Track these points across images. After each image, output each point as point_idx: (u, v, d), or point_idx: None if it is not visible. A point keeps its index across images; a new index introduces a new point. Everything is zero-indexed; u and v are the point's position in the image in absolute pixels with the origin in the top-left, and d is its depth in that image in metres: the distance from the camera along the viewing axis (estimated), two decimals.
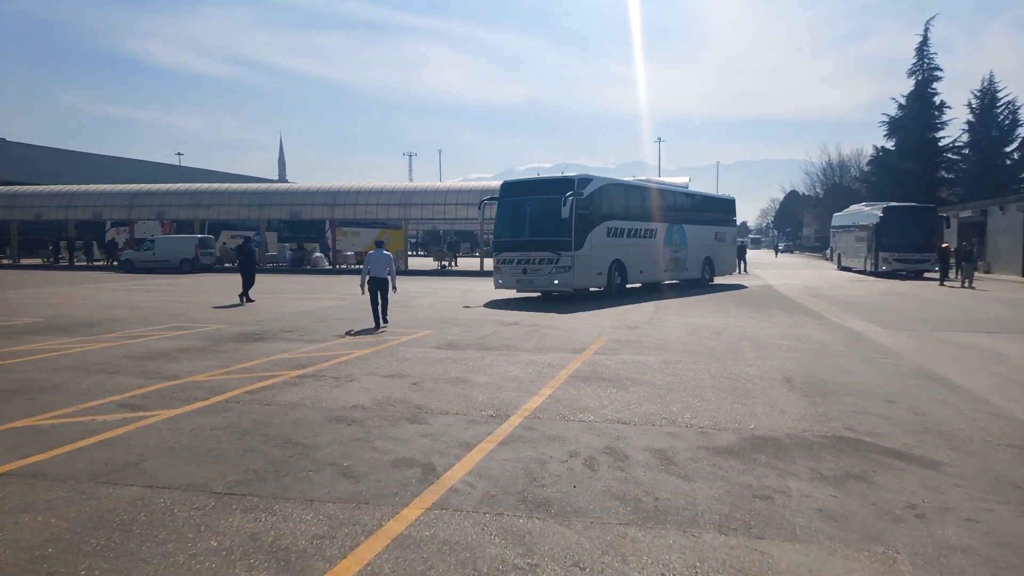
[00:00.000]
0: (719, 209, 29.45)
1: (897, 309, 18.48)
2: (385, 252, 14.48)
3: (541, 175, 21.99)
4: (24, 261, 46.12)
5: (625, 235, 21.61)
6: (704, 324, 14.81)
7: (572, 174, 20.01)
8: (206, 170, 74.09)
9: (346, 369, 9.61)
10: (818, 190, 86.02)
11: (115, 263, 39.70)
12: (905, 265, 33.41)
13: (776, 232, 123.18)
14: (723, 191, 38.11)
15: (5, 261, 46.06)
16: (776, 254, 78.03)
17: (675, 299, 21.35)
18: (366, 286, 14.09)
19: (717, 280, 28.73)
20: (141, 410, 7.35)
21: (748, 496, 4.96)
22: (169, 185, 45.86)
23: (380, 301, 14.07)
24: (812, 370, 9.58)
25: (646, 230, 22.86)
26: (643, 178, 24.56)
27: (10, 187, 46.56)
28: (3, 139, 55.12)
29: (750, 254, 50.83)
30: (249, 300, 19.52)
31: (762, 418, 7.05)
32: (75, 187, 45.63)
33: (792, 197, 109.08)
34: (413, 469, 5.51)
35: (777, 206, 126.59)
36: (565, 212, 18.68)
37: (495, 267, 20.44)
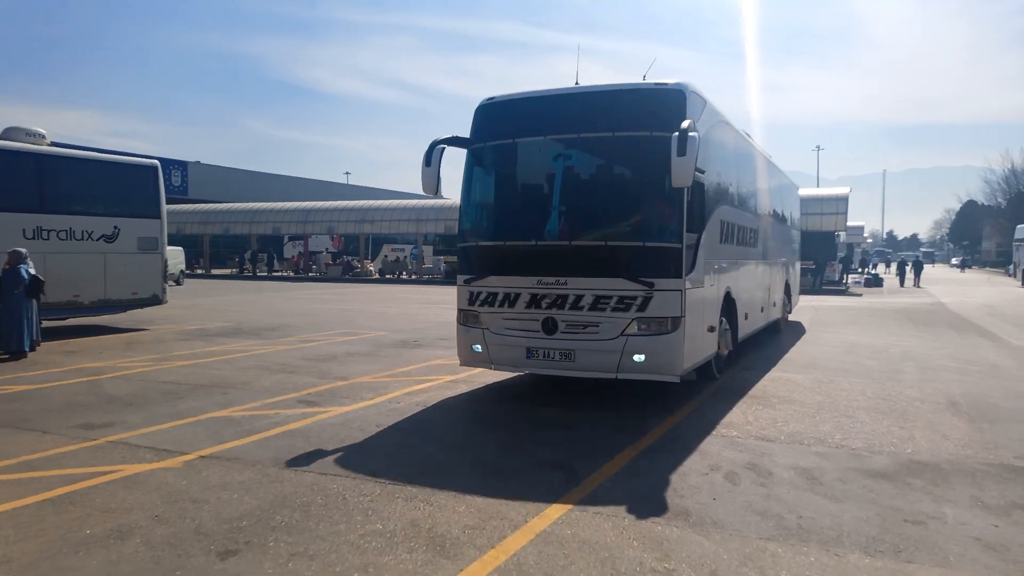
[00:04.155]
0: (790, 198, 17.51)
1: None
2: None
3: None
4: (215, 271, 51.23)
5: (736, 239, 10.47)
6: (862, 343, 14.08)
7: (664, 80, 8.00)
8: (370, 187, 78.81)
9: (498, 374, 10.09)
10: (1000, 200, 78.24)
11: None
12: None
13: (952, 245, 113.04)
14: (890, 202, 35.18)
15: (199, 271, 51.35)
16: (962, 269, 71.36)
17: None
18: None
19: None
20: (316, 406, 8.18)
21: (899, 520, 4.83)
22: (338, 203, 49.36)
23: None
24: (982, 394, 8.94)
25: (753, 231, 11.94)
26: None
27: (204, 205, 52.02)
28: (198, 162, 61.51)
29: (925, 269, 46.97)
30: None
31: (921, 442, 6.74)
32: (257, 205, 50.22)
33: (970, 207, 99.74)
34: (557, 472, 5.81)
35: (953, 217, 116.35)
36: (682, 175, 6.98)
37: (464, 312, 8.49)
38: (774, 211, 14.70)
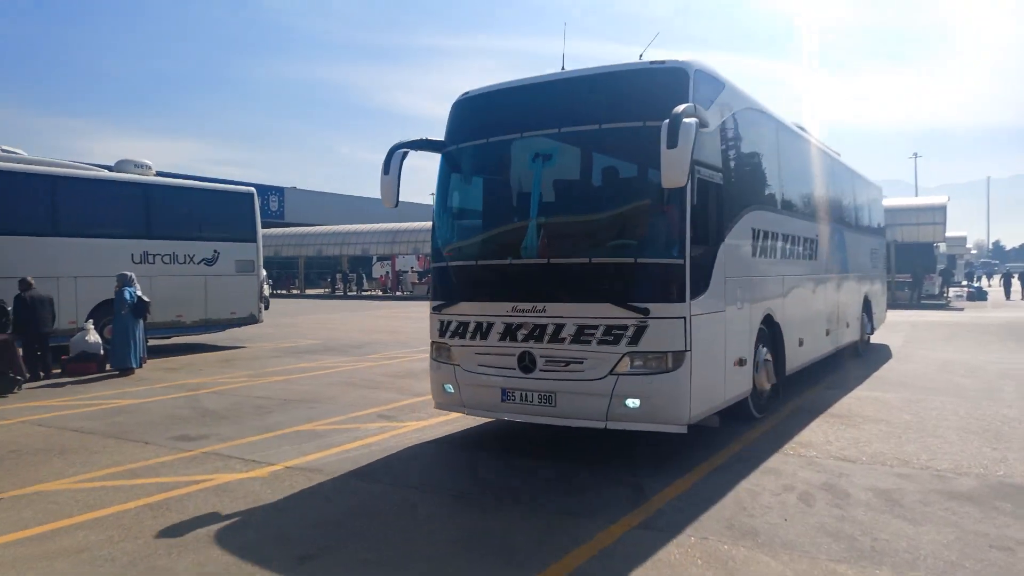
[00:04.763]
0: (869, 202, 15.34)
1: None
2: None
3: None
4: (308, 291, 53.33)
5: (779, 251, 8.89)
6: (959, 360, 13.36)
7: (665, 59, 6.55)
8: None
9: None
10: None
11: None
12: None
13: None
14: (996, 210, 32.95)
15: (294, 291, 53.54)
16: None
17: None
18: None
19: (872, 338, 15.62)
20: (395, 420, 8.48)
21: (983, 545, 4.63)
22: (423, 223, 50.52)
23: None
24: None
25: (808, 241, 10.18)
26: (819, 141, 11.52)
27: (299, 228, 54.31)
28: (294, 187, 64.28)
29: None
30: None
31: (1014, 464, 6.40)
32: (348, 227, 52.03)
33: None
34: (626, 488, 5.84)
35: None
36: (673, 172, 5.57)
37: (436, 345, 7.36)
38: (843, 217, 12.65)
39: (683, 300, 6.11)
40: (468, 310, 6.88)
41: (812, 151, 10.96)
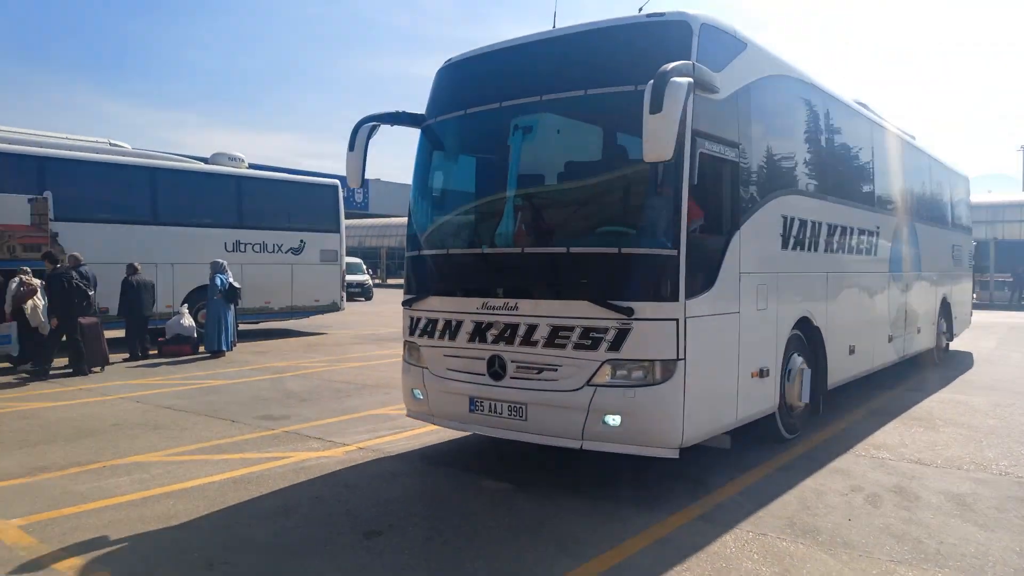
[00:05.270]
0: (950, 192, 13.62)
1: None
2: None
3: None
4: (390, 281, 54.66)
5: (822, 245, 7.65)
6: None
7: (665, 11, 5.55)
8: None
9: None
10: None
11: None
12: None
13: None
14: None
15: (376, 281, 54.96)
16: None
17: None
18: None
19: (953, 344, 13.95)
20: None
21: None
22: None
23: None
24: None
25: (864, 233, 8.90)
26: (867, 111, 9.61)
27: (382, 219, 55.68)
28: (378, 179, 65.80)
29: None
30: None
31: None
32: None
33: None
34: (687, 483, 5.86)
35: None
36: (657, 143, 4.64)
37: (407, 345, 6.60)
38: (915, 207, 11.09)
39: (675, 299, 5.15)
40: (437, 305, 6.11)
41: (872, 130, 9.53)
